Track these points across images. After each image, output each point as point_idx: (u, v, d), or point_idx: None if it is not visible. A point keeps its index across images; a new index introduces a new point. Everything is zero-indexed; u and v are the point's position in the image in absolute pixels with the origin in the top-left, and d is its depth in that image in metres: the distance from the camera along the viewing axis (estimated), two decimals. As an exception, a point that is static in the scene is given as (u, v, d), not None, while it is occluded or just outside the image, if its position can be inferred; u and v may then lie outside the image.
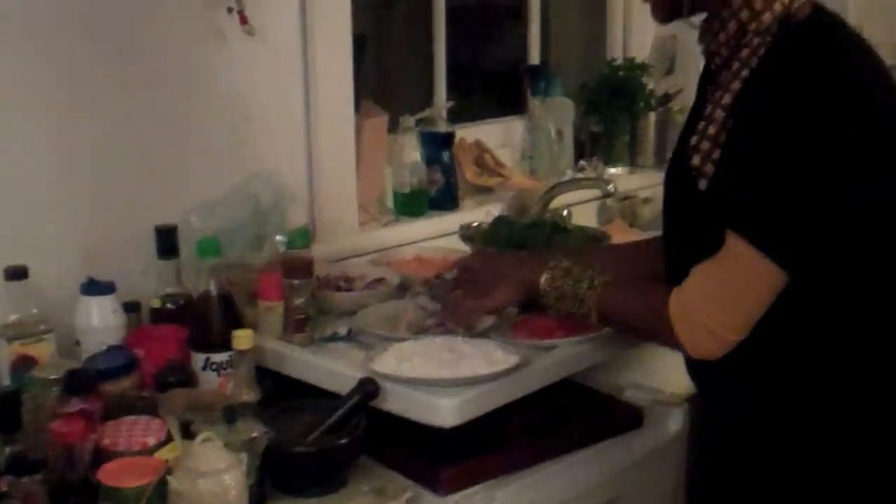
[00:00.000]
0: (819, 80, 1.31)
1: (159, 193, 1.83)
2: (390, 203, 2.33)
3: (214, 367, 1.62)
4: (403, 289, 1.95)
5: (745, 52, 1.38)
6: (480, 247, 1.92)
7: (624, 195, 2.57)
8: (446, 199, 2.36)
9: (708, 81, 1.48)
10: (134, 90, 1.80)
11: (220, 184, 1.84)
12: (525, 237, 1.90)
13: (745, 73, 1.38)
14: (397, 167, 2.31)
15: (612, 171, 2.77)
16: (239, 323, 1.63)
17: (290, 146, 2.06)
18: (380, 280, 1.98)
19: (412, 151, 2.32)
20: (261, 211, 1.78)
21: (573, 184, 2.41)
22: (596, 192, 2.49)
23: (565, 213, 2.45)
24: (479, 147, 2.56)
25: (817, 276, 1.35)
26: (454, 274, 1.69)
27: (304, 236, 1.82)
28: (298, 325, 1.73)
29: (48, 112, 1.72)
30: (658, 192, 2.77)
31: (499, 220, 2.01)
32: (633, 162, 2.90)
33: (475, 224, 2.11)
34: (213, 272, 1.63)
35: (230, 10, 1.87)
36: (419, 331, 1.70)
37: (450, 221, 2.32)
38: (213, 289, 1.63)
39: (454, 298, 1.65)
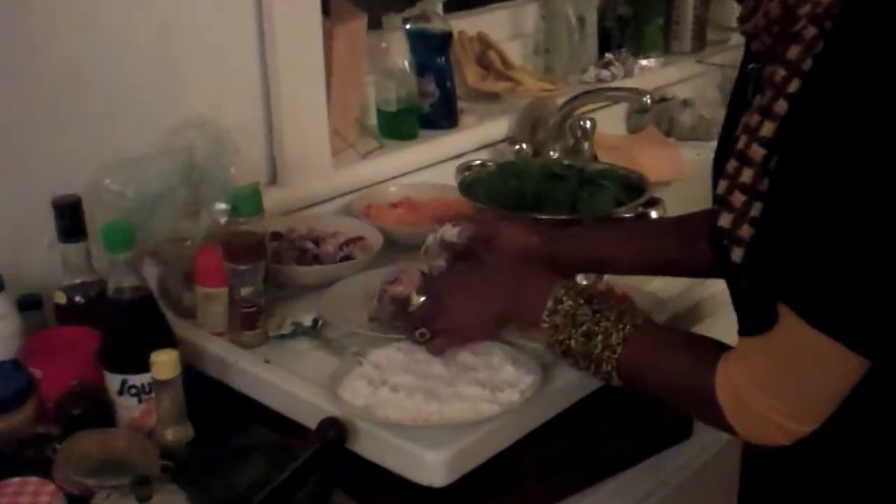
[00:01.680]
0: None
1: (60, 152, 1.39)
2: (374, 123, 1.89)
3: (134, 391, 1.23)
4: (389, 249, 1.55)
5: (793, 51, 0.94)
6: (483, 206, 1.50)
7: (660, 97, 2.12)
8: (443, 116, 1.92)
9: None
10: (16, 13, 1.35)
11: (143, 135, 1.41)
12: (542, 193, 1.48)
13: (794, 85, 0.94)
14: (381, 79, 1.86)
15: (644, 63, 2.32)
16: (165, 334, 1.23)
17: (238, 67, 1.61)
18: (357, 240, 1.56)
19: (399, 57, 1.87)
20: (196, 167, 1.36)
21: (598, 94, 1.96)
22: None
23: (587, 124, 2.02)
24: (483, 42, 2.10)
25: None
26: (418, 303, 1.28)
27: (254, 199, 1.40)
28: (247, 321, 1.33)
29: None
30: (699, 93, 2.36)
31: (507, 167, 1.58)
32: (667, 49, 2.44)
33: (477, 163, 1.68)
34: (130, 265, 1.22)
35: None
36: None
37: (448, 144, 1.89)
38: (127, 287, 1.22)
39: (417, 338, 1.27)
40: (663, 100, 2.15)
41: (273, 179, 1.68)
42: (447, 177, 1.77)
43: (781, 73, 0.95)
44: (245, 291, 1.32)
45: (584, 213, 1.44)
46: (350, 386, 1.20)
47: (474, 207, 1.51)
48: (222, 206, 1.35)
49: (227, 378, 1.31)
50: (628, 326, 1.11)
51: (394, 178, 1.80)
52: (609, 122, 2.12)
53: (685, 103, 2.20)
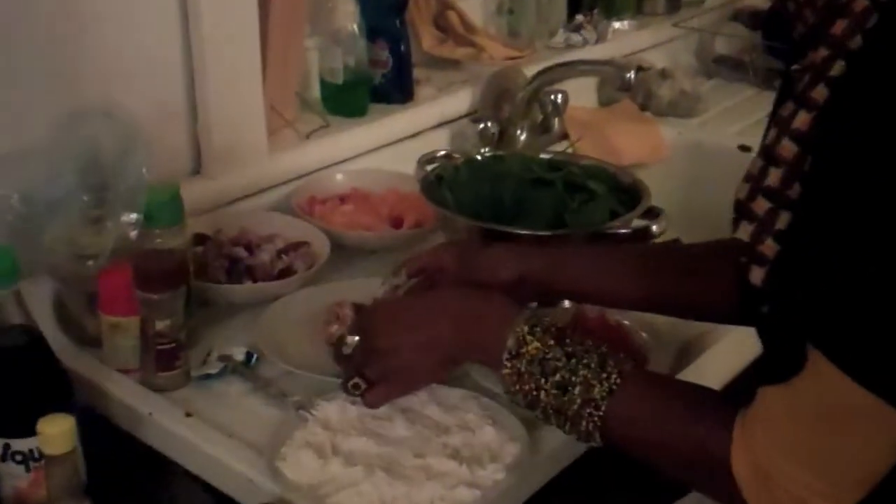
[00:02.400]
0: None
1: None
2: (317, 97, 1.63)
3: (20, 458, 0.97)
4: (337, 257, 1.30)
5: (838, 26, 0.76)
6: (449, 213, 1.25)
7: (637, 66, 1.89)
8: (397, 88, 1.66)
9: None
10: None
11: (29, 125, 1.13)
12: (522, 201, 1.23)
13: (837, 68, 0.75)
14: (326, 44, 1.59)
15: (617, 25, 2.08)
16: (59, 389, 0.98)
17: (153, 34, 1.33)
18: (299, 246, 1.31)
19: (347, 20, 1.59)
20: (99, 167, 1.09)
21: (573, 67, 1.71)
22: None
23: (559, 98, 1.78)
24: (441, 1, 1.83)
25: None
26: (354, 343, 1.05)
27: (172, 206, 1.14)
28: (164, 359, 1.08)
29: None
30: (675, 60, 2.12)
31: (479, 167, 1.32)
32: (639, 10, 2.20)
33: (441, 154, 1.42)
34: (12, 300, 0.96)
35: None
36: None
37: (403, 122, 1.64)
38: (10, 328, 0.96)
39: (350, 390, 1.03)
40: (640, 69, 1.91)
41: (196, 169, 1.41)
42: (402, 161, 1.52)
43: (823, 52, 0.75)
44: (161, 325, 1.06)
45: (572, 228, 1.20)
46: (293, 456, 0.96)
47: (439, 212, 1.26)
48: (132, 215, 1.09)
49: (138, 432, 1.06)
50: (614, 375, 0.88)
51: (341, 162, 1.54)
52: (578, 93, 1.88)
53: (663, 74, 1.96)
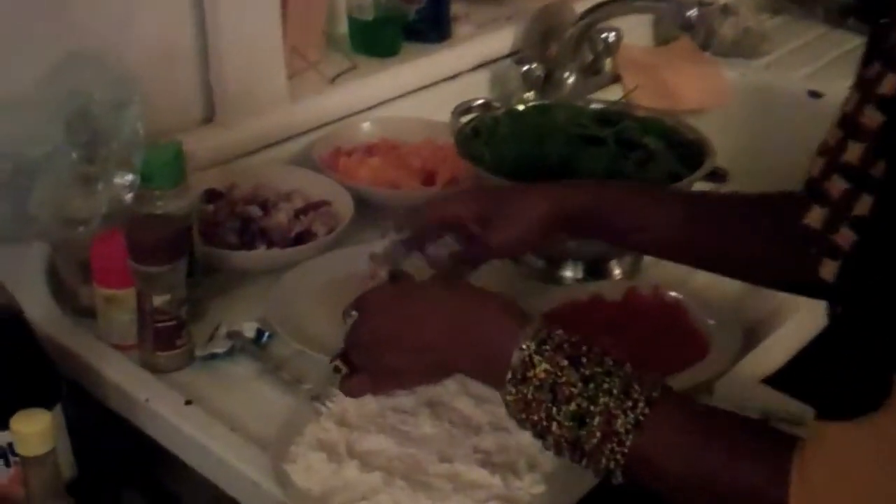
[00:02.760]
0: None
1: None
2: (345, 35, 1.48)
3: (-2, 451, 0.87)
4: (362, 218, 1.17)
5: None
6: (485, 171, 1.10)
7: (698, 2, 1.72)
8: (432, 26, 1.51)
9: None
10: None
11: (11, 74, 1.01)
12: (571, 161, 1.09)
13: None
14: (354, -22, 1.45)
15: (675, -45, 1.89)
16: (40, 377, 0.87)
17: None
18: (319, 206, 1.18)
19: (378, -50, 1.44)
20: (90, 121, 0.97)
21: (627, 4, 1.54)
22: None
23: (611, 36, 1.62)
24: (483, -72, 1.67)
25: None
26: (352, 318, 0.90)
27: (173, 165, 1.01)
28: (163, 338, 0.96)
29: None
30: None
31: (521, 121, 1.17)
32: (702, -64, 2.01)
33: (479, 103, 1.28)
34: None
35: None
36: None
37: (438, 63, 1.49)
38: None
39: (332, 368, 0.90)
40: (701, 4, 1.75)
41: (208, 117, 1.28)
42: (437, 108, 1.38)
43: None
44: (159, 301, 0.95)
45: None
46: (303, 458, 0.84)
47: (478, 171, 1.12)
48: (128, 176, 0.97)
49: (134, 417, 0.95)
50: (641, 404, 0.73)
51: (369, 108, 1.40)
52: (632, 31, 1.71)
53: (726, 10, 1.79)
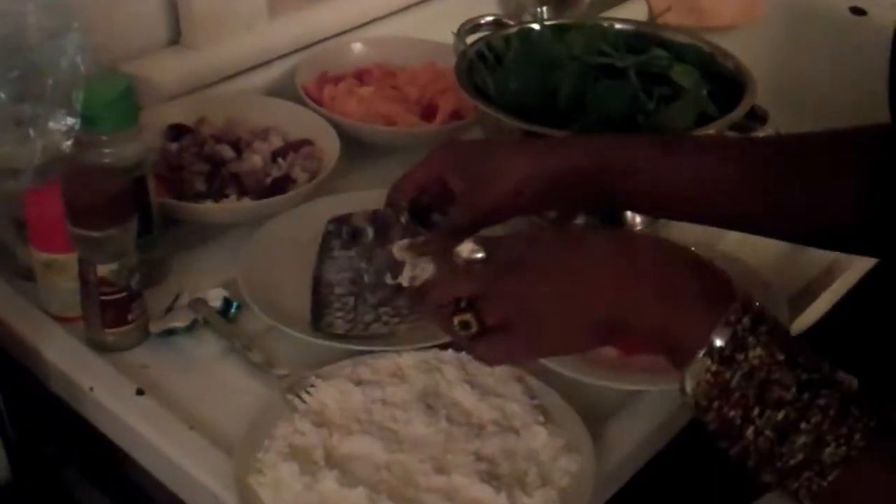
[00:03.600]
0: None
1: None
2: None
3: None
4: (351, 159, 1.02)
5: None
6: (485, 105, 0.94)
7: None
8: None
9: None
10: None
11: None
12: (584, 94, 0.92)
13: None
14: None
15: None
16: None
17: None
18: (301, 145, 1.03)
19: None
20: (20, 52, 0.81)
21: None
22: None
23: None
24: None
25: None
26: (470, 256, 0.69)
27: (122, 105, 0.85)
28: (111, 313, 0.82)
29: None
30: None
31: (533, 42, 0.99)
32: None
33: (487, 20, 1.11)
34: None
35: None
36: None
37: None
38: None
39: (455, 328, 0.68)
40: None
41: (174, 37, 1.11)
42: (440, 26, 1.20)
43: None
44: (104, 270, 0.80)
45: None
46: (272, 469, 0.70)
47: (480, 104, 0.96)
48: (68, 119, 0.81)
49: (79, 406, 0.82)
50: (857, 435, 0.57)
51: (360, 26, 1.23)
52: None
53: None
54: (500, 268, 0.68)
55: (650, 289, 0.63)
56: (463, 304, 0.67)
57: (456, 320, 0.67)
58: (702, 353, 0.60)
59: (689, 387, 0.61)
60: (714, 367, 0.60)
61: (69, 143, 0.82)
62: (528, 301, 0.66)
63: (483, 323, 0.67)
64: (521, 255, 0.68)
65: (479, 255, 0.68)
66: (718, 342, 0.59)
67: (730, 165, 0.79)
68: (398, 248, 0.73)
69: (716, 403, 0.60)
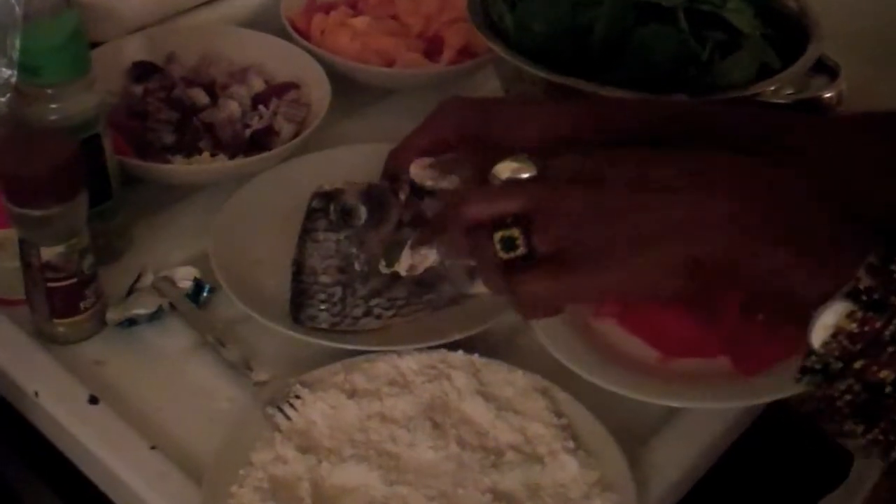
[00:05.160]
0: None
1: None
2: None
3: None
4: (342, 100, 0.88)
5: None
6: (502, 48, 0.80)
7: None
8: None
9: None
10: None
11: None
12: (620, 39, 0.77)
13: None
14: None
15: None
16: None
17: None
18: (284, 90, 0.89)
19: None
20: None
21: None
22: None
23: None
24: None
25: None
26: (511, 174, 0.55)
27: (71, 50, 0.71)
28: (59, 301, 0.69)
29: None
30: None
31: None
32: None
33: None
34: None
35: None
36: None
37: None
38: None
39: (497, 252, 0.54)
40: None
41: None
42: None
43: None
44: (50, 254, 0.67)
45: (696, 91, 0.76)
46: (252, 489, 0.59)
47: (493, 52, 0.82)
48: (3, 70, 0.67)
49: (25, 411, 0.69)
50: None
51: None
52: None
53: None
54: (559, 181, 0.54)
55: (771, 221, 0.50)
56: (509, 220, 0.53)
57: (498, 235, 0.54)
58: (843, 294, 0.47)
59: (818, 341, 0.48)
60: (860, 314, 0.47)
61: (5, 98, 0.68)
62: (597, 223, 0.52)
63: (532, 247, 0.53)
64: (591, 168, 0.54)
65: (527, 176, 0.55)
66: (866, 282, 0.47)
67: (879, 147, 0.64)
68: (417, 167, 0.64)
69: (859, 363, 0.47)
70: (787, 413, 0.76)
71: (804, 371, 0.49)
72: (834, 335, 0.48)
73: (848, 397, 0.48)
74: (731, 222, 0.50)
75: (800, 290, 0.49)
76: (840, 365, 0.48)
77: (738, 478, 0.78)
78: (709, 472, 0.70)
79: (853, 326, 0.47)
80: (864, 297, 0.47)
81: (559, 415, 0.65)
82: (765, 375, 0.67)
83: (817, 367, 0.49)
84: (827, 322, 0.48)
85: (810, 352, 0.48)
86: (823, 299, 0.48)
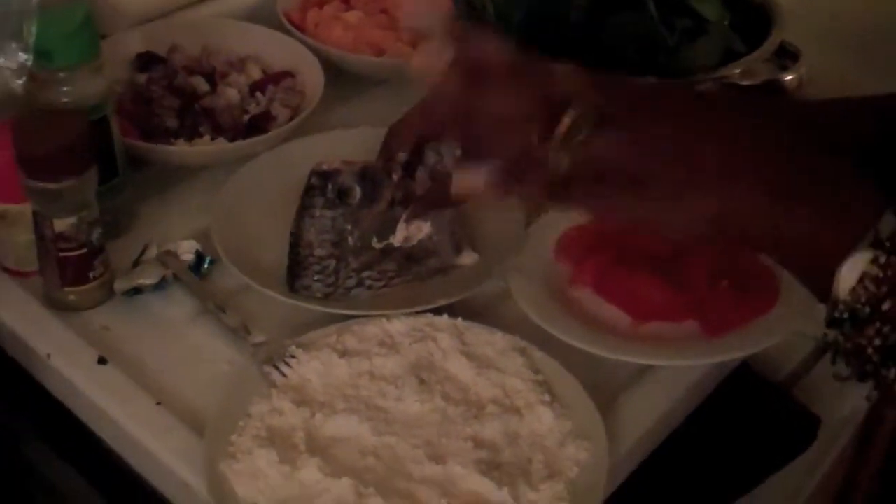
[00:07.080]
0: None
1: None
2: None
3: None
4: (335, 89, 0.93)
5: None
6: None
7: None
8: None
9: None
10: None
11: None
12: (596, 29, 0.82)
13: None
14: None
15: None
16: None
17: None
18: (280, 78, 0.94)
19: None
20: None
21: None
22: None
23: None
24: None
25: None
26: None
27: (82, 36, 0.76)
28: (70, 270, 0.74)
29: None
30: None
31: None
32: None
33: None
34: None
35: None
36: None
37: None
38: None
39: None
40: None
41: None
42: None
43: None
44: (62, 225, 0.72)
45: (664, 76, 0.81)
46: (248, 457, 0.63)
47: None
48: (20, 55, 0.72)
49: (36, 374, 0.74)
50: None
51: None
52: None
53: None
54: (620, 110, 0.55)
55: (796, 182, 0.52)
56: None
57: (570, 115, 0.54)
58: (866, 245, 0.49)
59: (845, 290, 0.49)
60: (883, 258, 0.49)
61: (21, 81, 0.73)
62: (656, 154, 0.54)
63: (629, 170, 0.54)
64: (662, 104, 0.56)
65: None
66: (887, 230, 0.49)
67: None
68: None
69: (887, 304, 0.49)
70: (757, 380, 0.82)
71: (831, 323, 0.51)
72: (860, 281, 0.49)
73: (878, 342, 0.49)
74: (760, 183, 0.53)
75: (824, 244, 0.51)
76: (868, 310, 0.49)
77: (709, 444, 0.83)
78: (681, 440, 0.75)
79: (877, 271, 0.49)
80: (888, 243, 0.49)
81: (536, 371, 0.70)
82: (729, 337, 0.72)
83: (845, 315, 0.50)
84: (852, 271, 0.49)
85: (834, 303, 0.50)
86: (846, 251, 0.49)
